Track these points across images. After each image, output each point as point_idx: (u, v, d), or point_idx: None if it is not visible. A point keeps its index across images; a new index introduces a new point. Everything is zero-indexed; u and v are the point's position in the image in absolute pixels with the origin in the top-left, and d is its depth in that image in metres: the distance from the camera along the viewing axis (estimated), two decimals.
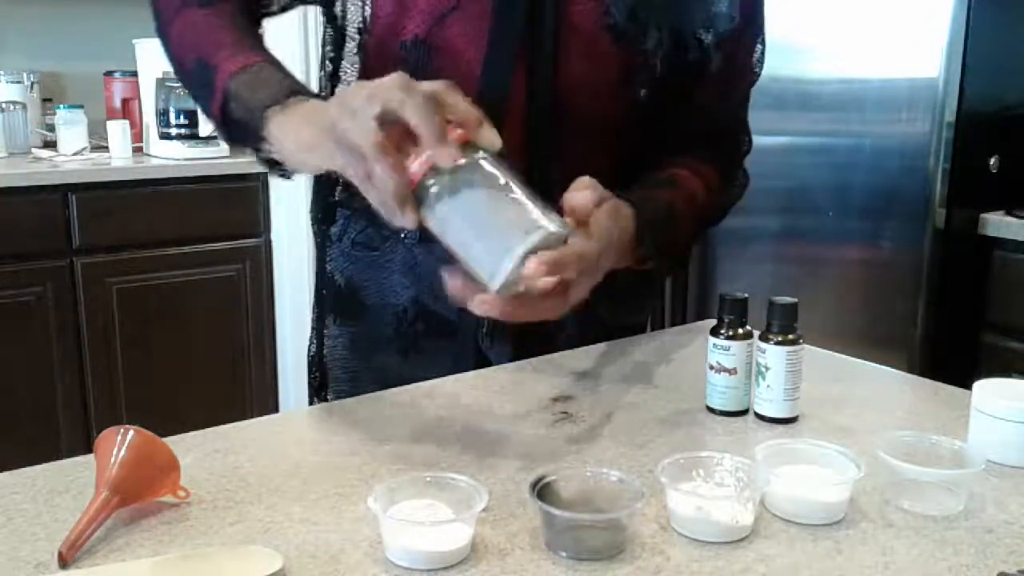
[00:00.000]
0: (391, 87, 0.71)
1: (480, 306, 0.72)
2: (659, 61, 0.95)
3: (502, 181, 0.72)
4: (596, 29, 0.94)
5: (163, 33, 0.99)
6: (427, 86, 0.72)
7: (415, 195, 0.72)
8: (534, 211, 0.72)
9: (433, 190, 0.71)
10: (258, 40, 0.95)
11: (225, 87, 0.87)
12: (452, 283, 0.74)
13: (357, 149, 0.71)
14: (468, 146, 0.72)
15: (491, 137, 0.73)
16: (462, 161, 0.71)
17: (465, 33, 0.93)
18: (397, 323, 1.07)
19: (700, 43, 0.96)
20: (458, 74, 0.92)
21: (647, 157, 1.01)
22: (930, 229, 2.11)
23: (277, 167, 0.89)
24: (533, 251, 0.70)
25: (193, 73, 0.93)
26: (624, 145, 1.01)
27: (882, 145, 2.18)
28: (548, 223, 0.72)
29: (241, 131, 0.88)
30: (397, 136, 0.72)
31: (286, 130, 0.81)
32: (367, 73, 0.99)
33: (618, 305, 1.11)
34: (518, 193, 0.72)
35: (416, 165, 0.71)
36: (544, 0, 0.92)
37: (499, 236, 0.71)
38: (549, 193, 0.76)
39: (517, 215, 0.72)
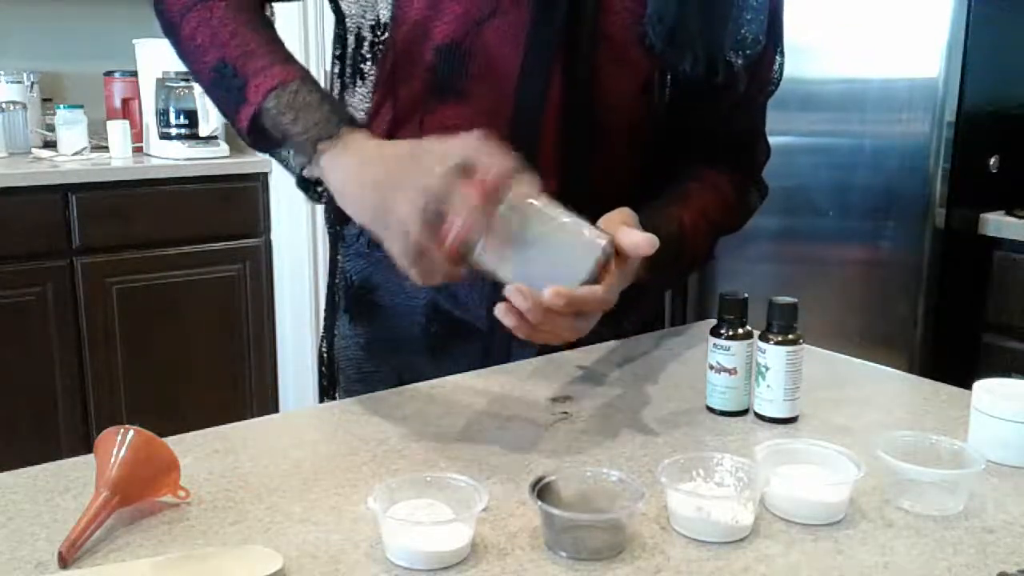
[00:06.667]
0: (437, 180, 0.73)
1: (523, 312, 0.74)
2: (683, 76, 0.96)
3: (544, 213, 0.76)
4: (628, 37, 0.94)
5: (173, 25, 0.95)
6: (458, 158, 0.73)
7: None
8: (583, 230, 0.77)
9: (480, 246, 0.75)
10: (283, 45, 0.93)
11: (261, 102, 0.86)
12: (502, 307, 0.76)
13: (405, 230, 0.73)
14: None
15: (529, 190, 0.75)
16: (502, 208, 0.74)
17: (503, 39, 0.93)
18: (416, 324, 1.07)
19: (730, 66, 0.97)
20: (494, 79, 0.93)
21: (666, 166, 1.02)
22: (930, 229, 2.11)
23: (311, 187, 0.89)
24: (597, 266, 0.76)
25: (214, 73, 0.91)
26: (646, 153, 1.01)
27: (882, 145, 2.18)
28: (598, 238, 0.77)
29: (271, 145, 0.90)
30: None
31: (337, 173, 0.83)
32: (393, 73, 0.98)
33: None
34: (561, 218, 0.76)
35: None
36: (582, 8, 0.92)
37: (561, 266, 0.75)
38: (579, 200, 0.79)
39: (570, 242, 0.76)
